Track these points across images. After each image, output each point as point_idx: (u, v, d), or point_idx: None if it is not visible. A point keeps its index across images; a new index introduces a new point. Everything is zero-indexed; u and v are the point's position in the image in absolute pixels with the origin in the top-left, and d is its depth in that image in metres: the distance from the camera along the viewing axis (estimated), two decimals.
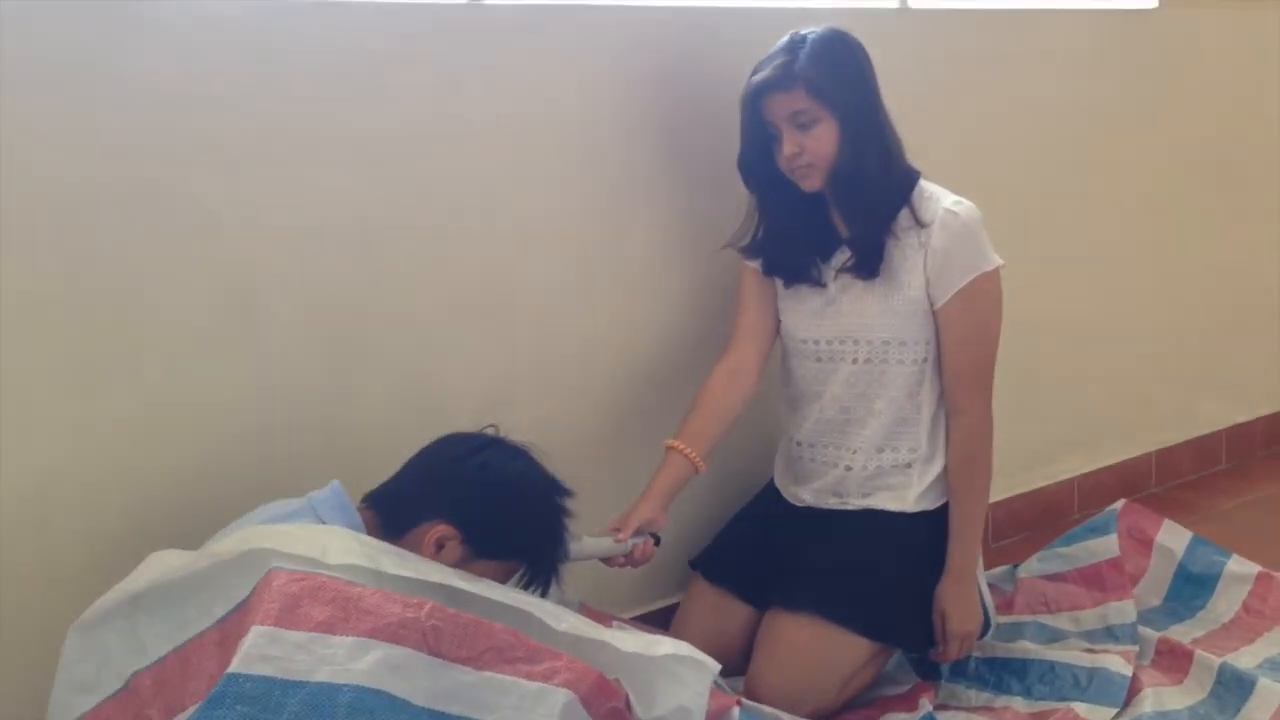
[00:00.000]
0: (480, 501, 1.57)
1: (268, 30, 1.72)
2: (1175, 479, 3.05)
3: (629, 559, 1.85)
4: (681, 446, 1.94)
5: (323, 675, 1.27)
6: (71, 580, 1.62)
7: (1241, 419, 3.20)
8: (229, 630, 1.37)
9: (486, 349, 1.98)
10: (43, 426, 1.62)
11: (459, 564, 1.55)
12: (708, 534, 2.18)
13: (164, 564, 1.44)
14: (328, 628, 1.31)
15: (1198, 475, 3.09)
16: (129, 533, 1.67)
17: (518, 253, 1.99)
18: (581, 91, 2.02)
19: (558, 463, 1.68)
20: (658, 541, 1.89)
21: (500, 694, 1.36)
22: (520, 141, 1.96)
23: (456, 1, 1.93)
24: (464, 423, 1.71)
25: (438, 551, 1.54)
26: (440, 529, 1.54)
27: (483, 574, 1.55)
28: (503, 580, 1.60)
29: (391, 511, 1.58)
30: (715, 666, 1.54)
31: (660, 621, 2.16)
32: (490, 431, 1.66)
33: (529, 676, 1.38)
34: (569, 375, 2.07)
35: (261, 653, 1.27)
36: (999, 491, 2.63)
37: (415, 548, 1.53)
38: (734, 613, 2.04)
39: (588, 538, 1.77)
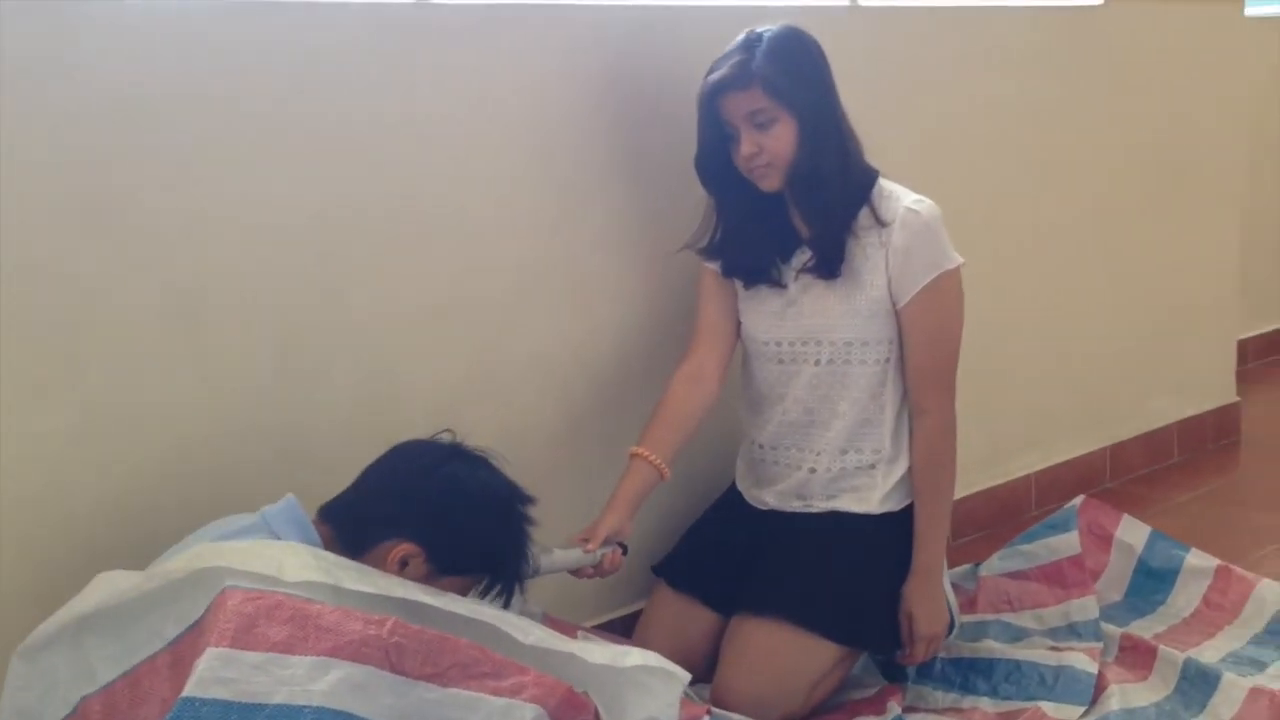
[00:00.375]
0: (446, 520, 1.53)
1: (213, 30, 1.67)
2: (1129, 473, 3.07)
3: (598, 569, 1.83)
4: (646, 453, 1.91)
5: (282, 697, 1.24)
6: (13, 601, 1.56)
7: (1191, 412, 3.23)
8: (182, 652, 1.33)
9: (442, 352, 1.94)
10: None
11: (423, 581, 1.50)
12: (670, 539, 2.15)
13: (112, 585, 1.40)
14: (286, 648, 1.27)
15: (1150, 469, 3.12)
16: (73, 550, 1.61)
17: (471, 255, 1.95)
18: (532, 91, 1.98)
19: (517, 467, 1.65)
20: (625, 550, 1.87)
21: (467, 710, 1.33)
22: (471, 142, 1.93)
23: (404, 1, 1.89)
24: (420, 428, 1.67)
25: (401, 570, 1.50)
26: (404, 548, 1.50)
27: (446, 589, 1.51)
28: (464, 593, 1.56)
29: (351, 528, 1.54)
30: (685, 676, 1.52)
31: (624, 629, 2.13)
32: (447, 437, 1.62)
33: (495, 692, 1.35)
34: (526, 378, 2.04)
35: (217, 675, 1.24)
36: (958, 489, 2.61)
37: (377, 565, 1.49)
38: (698, 619, 2.02)
39: (557, 550, 1.75)
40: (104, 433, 1.64)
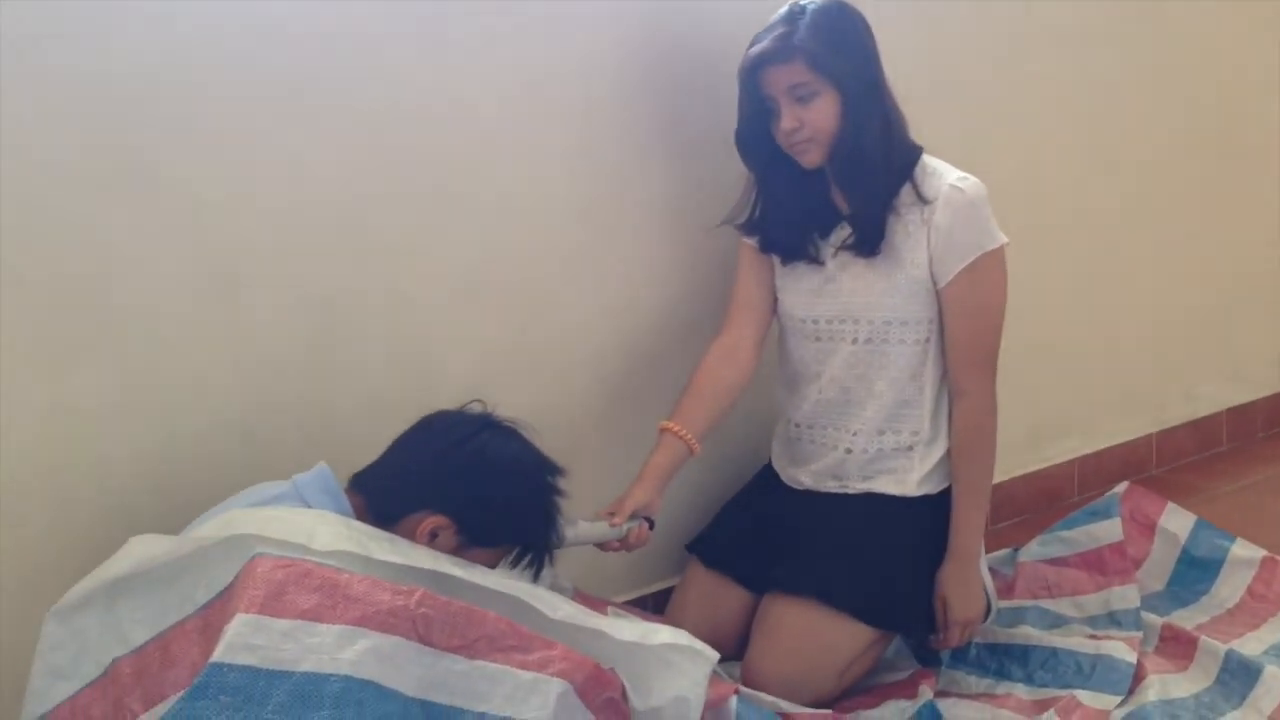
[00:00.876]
0: (476, 492, 1.52)
1: (253, 4, 1.66)
2: (1176, 461, 3.01)
3: (623, 543, 1.81)
4: (676, 428, 1.89)
5: (309, 665, 1.24)
6: (48, 564, 1.58)
7: (1242, 400, 3.16)
8: (211, 618, 1.33)
9: (476, 327, 1.93)
10: (17, 408, 1.56)
11: (453, 553, 1.50)
12: (704, 517, 2.14)
13: (145, 549, 1.40)
14: (314, 615, 1.27)
15: (1198, 457, 3.06)
16: (107, 516, 1.62)
17: (508, 229, 1.94)
18: (570, 66, 1.96)
19: (549, 442, 1.64)
20: (652, 525, 1.85)
21: (493, 684, 1.33)
22: (508, 118, 1.91)
23: None
24: (452, 402, 1.66)
25: (431, 541, 1.50)
26: (434, 519, 1.50)
27: (475, 560, 1.51)
28: (493, 565, 1.56)
29: (382, 498, 1.53)
30: (713, 656, 1.50)
31: (656, 605, 2.13)
32: (477, 408, 1.61)
33: (523, 666, 1.35)
34: (561, 354, 2.03)
35: (246, 641, 1.24)
36: (997, 473, 2.55)
37: (408, 536, 1.49)
38: (731, 597, 2.01)
39: (583, 522, 1.74)
40: (137, 402, 1.65)
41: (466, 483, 1.52)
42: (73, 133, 1.56)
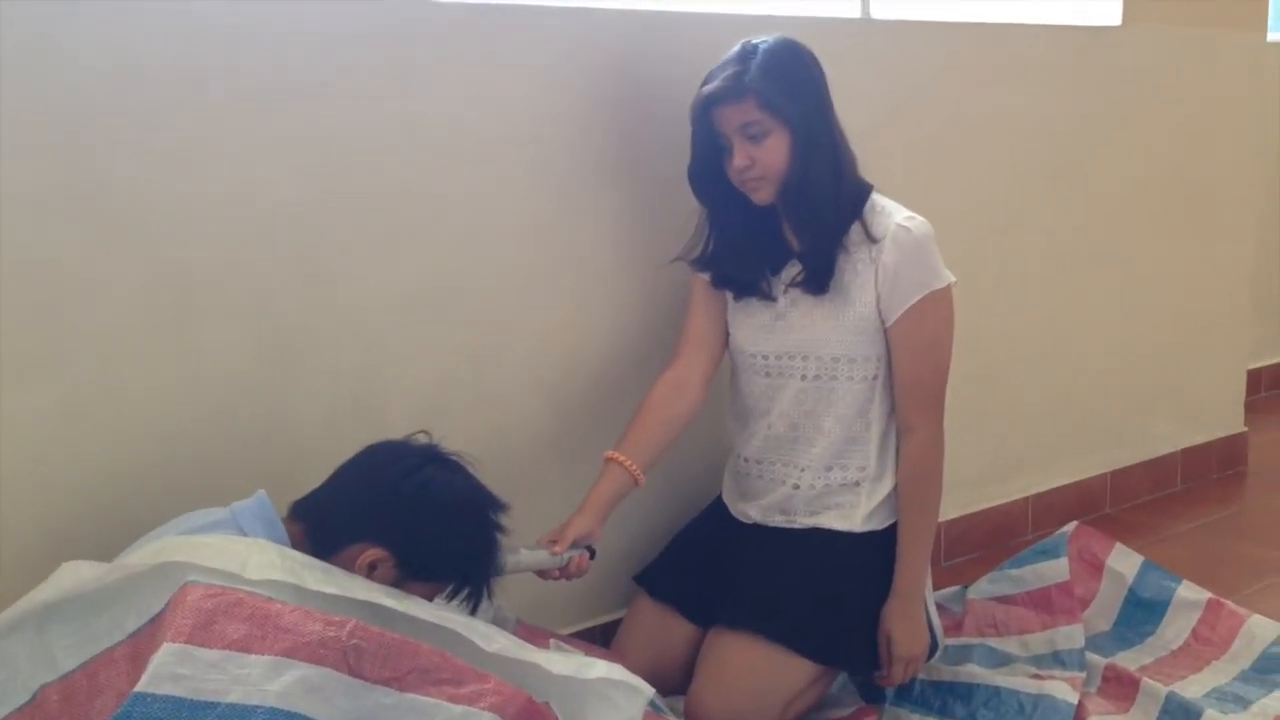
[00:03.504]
0: (416, 526, 1.52)
1: (207, 19, 1.67)
2: (1130, 500, 3.04)
3: (564, 572, 1.81)
4: (621, 458, 1.89)
5: (235, 696, 1.23)
6: None
7: (1197, 440, 3.19)
8: (141, 646, 1.32)
9: (428, 352, 1.93)
10: None
11: (391, 585, 1.50)
12: (653, 549, 2.14)
13: (76, 574, 1.39)
14: (243, 646, 1.26)
15: (1152, 497, 3.08)
16: (41, 538, 1.61)
17: (462, 255, 1.94)
18: (530, 93, 1.97)
19: (498, 471, 1.64)
20: (593, 554, 1.85)
21: (424, 717, 1.31)
22: (465, 141, 1.92)
23: None
24: (404, 426, 1.66)
25: (370, 573, 1.49)
26: (373, 552, 1.49)
27: (413, 593, 1.50)
28: (431, 597, 1.55)
29: (321, 528, 1.53)
30: (649, 691, 1.50)
31: (602, 638, 2.12)
32: (423, 439, 1.61)
33: (454, 699, 1.34)
34: (512, 381, 2.03)
35: (171, 671, 1.23)
36: (950, 509, 2.61)
37: (346, 568, 1.48)
38: (677, 630, 2.01)
39: (523, 550, 1.73)
40: (83, 420, 1.64)
41: (408, 517, 1.52)
42: (22, 149, 1.55)
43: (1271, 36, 3.26)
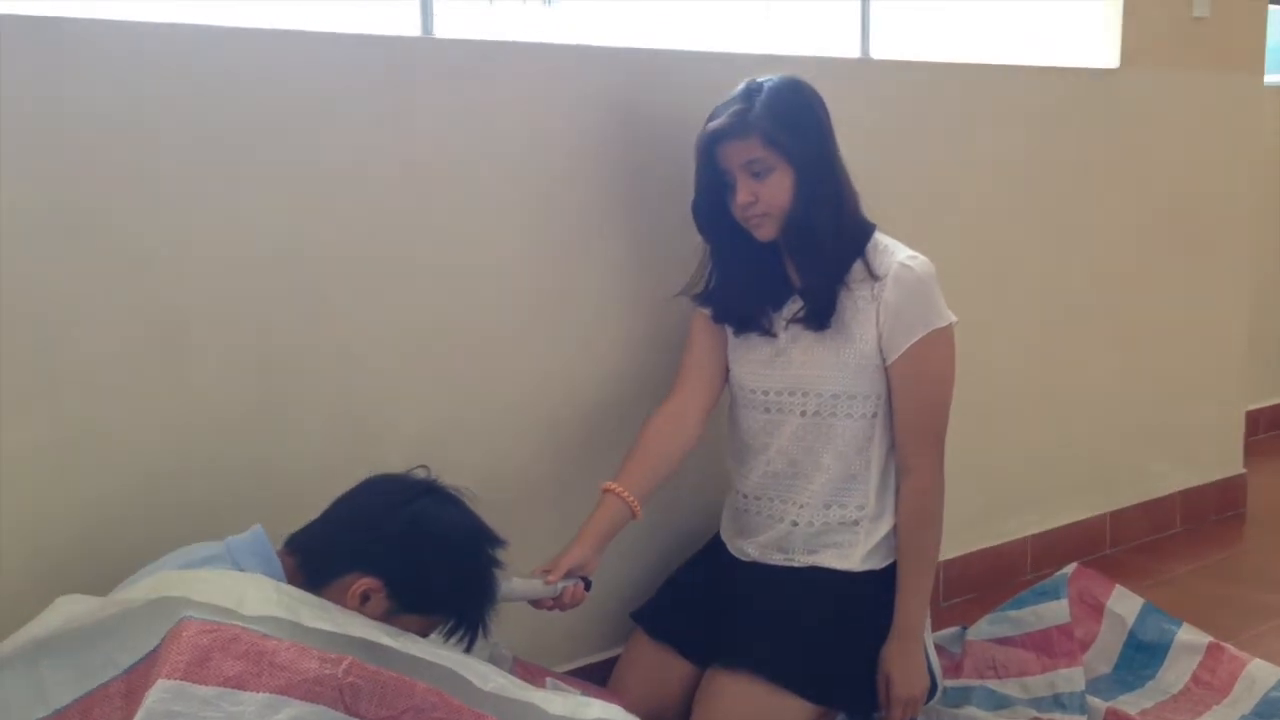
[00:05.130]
0: (409, 556, 1.51)
1: (207, 55, 1.68)
2: (1129, 541, 3.03)
3: (558, 602, 1.79)
4: (618, 489, 1.88)
5: None
6: None
7: (1196, 482, 3.18)
8: (135, 682, 1.31)
9: (426, 389, 1.93)
10: None
11: (383, 617, 1.48)
12: (651, 586, 2.13)
13: (71, 609, 1.39)
14: (238, 683, 1.25)
15: (1151, 538, 3.07)
16: (37, 574, 1.60)
17: (461, 292, 1.94)
18: (532, 130, 1.98)
19: (496, 507, 1.63)
20: (588, 586, 1.83)
21: None
22: (467, 178, 1.92)
23: (408, 35, 1.89)
24: (400, 463, 1.64)
25: (362, 604, 1.48)
26: (365, 582, 1.48)
27: (407, 627, 1.49)
28: (426, 633, 1.54)
29: (314, 559, 1.52)
30: None
31: (599, 675, 2.10)
32: (421, 474, 1.60)
33: None
34: (511, 418, 2.02)
35: (166, 708, 1.22)
36: (950, 549, 2.60)
37: (338, 599, 1.47)
38: (675, 669, 1.99)
39: (517, 579, 1.71)
40: (78, 454, 1.63)
41: (400, 546, 1.51)
42: (17, 181, 1.55)
43: (1269, 79, 3.28)
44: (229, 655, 1.27)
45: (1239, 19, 3.08)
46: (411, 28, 1.92)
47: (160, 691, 1.22)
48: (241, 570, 1.45)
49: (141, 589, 1.37)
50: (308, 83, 1.76)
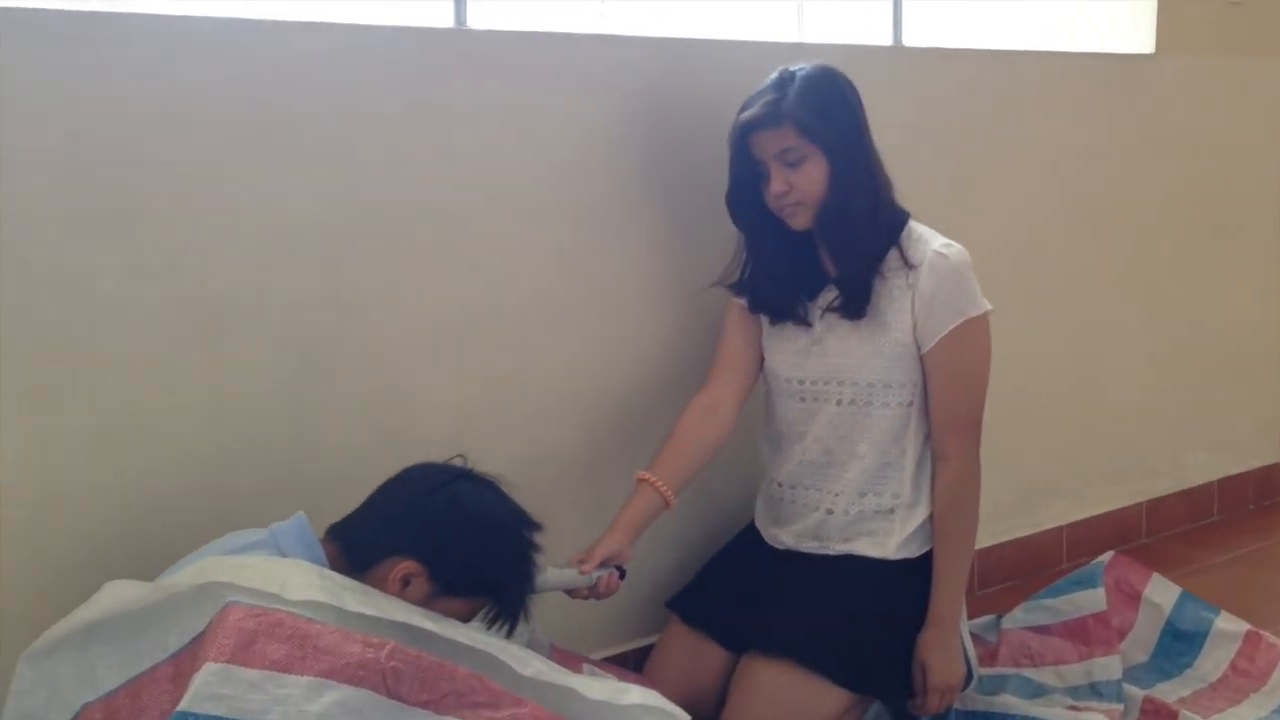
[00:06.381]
0: (447, 537, 1.53)
1: (242, 48, 1.70)
2: (1166, 530, 3.01)
3: (593, 591, 1.80)
4: (652, 479, 1.89)
5: (276, 716, 1.24)
6: (21, 606, 1.58)
7: (1233, 470, 3.16)
8: (183, 665, 1.33)
9: (460, 377, 1.94)
10: None
11: (424, 601, 1.50)
12: (686, 574, 2.14)
13: (119, 594, 1.41)
14: (283, 666, 1.27)
15: (1188, 527, 3.05)
16: (82, 561, 1.62)
17: (495, 279, 1.96)
18: (565, 120, 1.99)
19: (530, 495, 1.64)
20: (623, 574, 1.84)
21: None
22: (501, 167, 1.94)
23: (440, 26, 1.90)
24: (435, 452, 1.66)
25: (403, 588, 1.50)
26: (406, 565, 1.50)
27: (448, 611, 1.51)
28: (468, 618, 1.55)
29: (356, 545, 1.54)
30: (684, 718, 1.49)
31: (634, 663, 2.12)
32: (459, 462, 1.62)
33: None
34: (544, 405, 2.04)
35: (213, 691, 1.24)
36: (985, 538, 2.59)
37: (380, 584, 1.49)
38: (710, 656, 2.00)
39: (552, 569, 1.72)
40: (113, 445, 1.66)
41: (438, 527, 1.53)
42: (56, 173, 1.58)
43: None
44: (274, 639, 1.29)
45: (1276, 3, 3.05)
46: (445, 19, 1.94)
47: (207, 674, 1.25)
48: (285, 556, 1.48)
49: (188, 574, 1.39)
50: (343, 75, 1.78)
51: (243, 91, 1.70)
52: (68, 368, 1.61)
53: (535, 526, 1.60)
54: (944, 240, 1.90)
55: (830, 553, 1.97)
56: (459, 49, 1.89)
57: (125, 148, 1.62)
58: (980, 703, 2.04)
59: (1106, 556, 2.35)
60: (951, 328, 1.87)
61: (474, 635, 1.46)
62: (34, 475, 1.60)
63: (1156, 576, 2.34)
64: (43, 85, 1.56)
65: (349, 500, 1.59)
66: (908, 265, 1.88)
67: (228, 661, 1.26)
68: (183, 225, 1.67)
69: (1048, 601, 2.29)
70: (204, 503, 1.70)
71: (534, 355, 2.01)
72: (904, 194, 1.95)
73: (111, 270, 1.63)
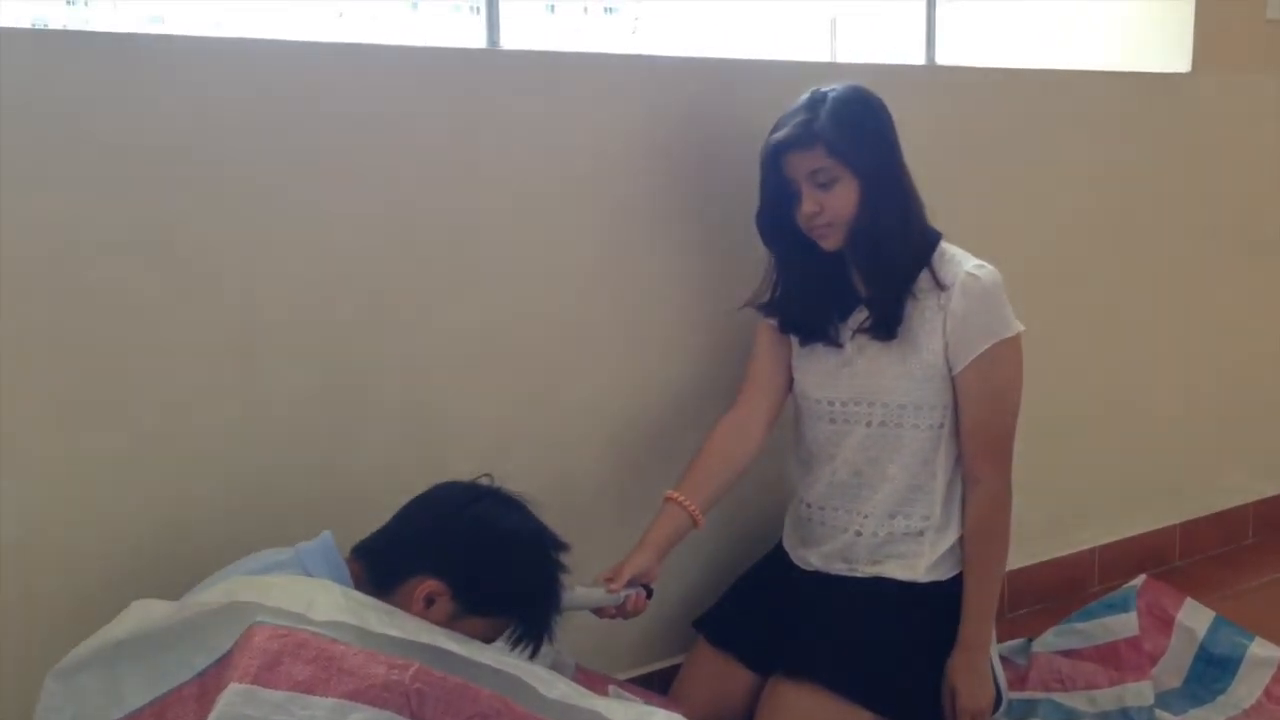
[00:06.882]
0: (472, 557, 1.52)
1: (276, 73, 1.71)
2: (1200, 553, 2.97)
3: (620, 610, 1.79)
4: (680, 498, 1.88)
5: None
6: (52, 624, 1.60)
7: (1269, 493, 3.12)
8: (208, 685, 1.33)
9: (490, 396, 1.94)
10: (27, 467, 1.59)
11: (448, 621, 1.50)
12: (713, 594, 2.13)
13: (147, 612, 1.41)
14: (308, 688, 1.27)
15: (1223, 550, 3.01)
16: (113, 578, 1.64)
17: (525, 300, 1.96)
18: (596, 141, 1.99)
19: (558, 514, 1.64)
20: (650, 593, 1.84)
21: None
22: (531, 189, 1.94)
23: (473, 47, 1.91)
24: (465, 469, 1.66)
25: (427, 608, 1.50)
26: (430, 585, 1.50)
27: (472, 631, 1.50)
28: (492, 638, 1.55)
29: (380, 565, 1.54)
30: None
31: (661, 683, 2.10)
32: (485, 481, 1.61)
33: None
34: (574, 425, 2.03)
35: (238, 712, 1.24)
36: (1016, 560, 2.57)
37: (404, 603, 1.48)
38: (737, 678, 1.99)
39: (579, 588, 1.72)
40: (148, 465, 1.67)
41: (463, 547, 1.52)
42: (93, 193, 1.59)
43: None
44: (299, 660, 1.29)
45: None
46: (478, 39, 1.95)
47: (232, 695, 1.25)
48: (310, 576, 1.48)
49: (214, 594, 1.39)
50: (376, 94, 1.78)
51: (281, 112, 1.71)
52: (103, 386, 1.63)
53: (562, 546, 1.60)
54: (976, 261, 1.88)
55: (859, 575, 1.95)
56: (494, 70, 1.89)
57: (162, 168, 1.63)
58: None
59: (1139, 580, 2.32)
60: (983, 349, 1.85)
61: (499, 657, 1.46)
62: (70, 495, 1.62)
63: (1190, 601, 2.31)
64: (81, 105, 1.57)
65: (381, 519, 1.59)
66: (939, 286, 1.86)
67: (252, 682, 1.26)
68: (218, 246, 1.68)
69: (1079, 625, 2.27)
70: (238, 522, 1.71)
71: (565, 374, 2.01)
72: (936, 214, 1.94)
73: (147, 289, 1.64)
